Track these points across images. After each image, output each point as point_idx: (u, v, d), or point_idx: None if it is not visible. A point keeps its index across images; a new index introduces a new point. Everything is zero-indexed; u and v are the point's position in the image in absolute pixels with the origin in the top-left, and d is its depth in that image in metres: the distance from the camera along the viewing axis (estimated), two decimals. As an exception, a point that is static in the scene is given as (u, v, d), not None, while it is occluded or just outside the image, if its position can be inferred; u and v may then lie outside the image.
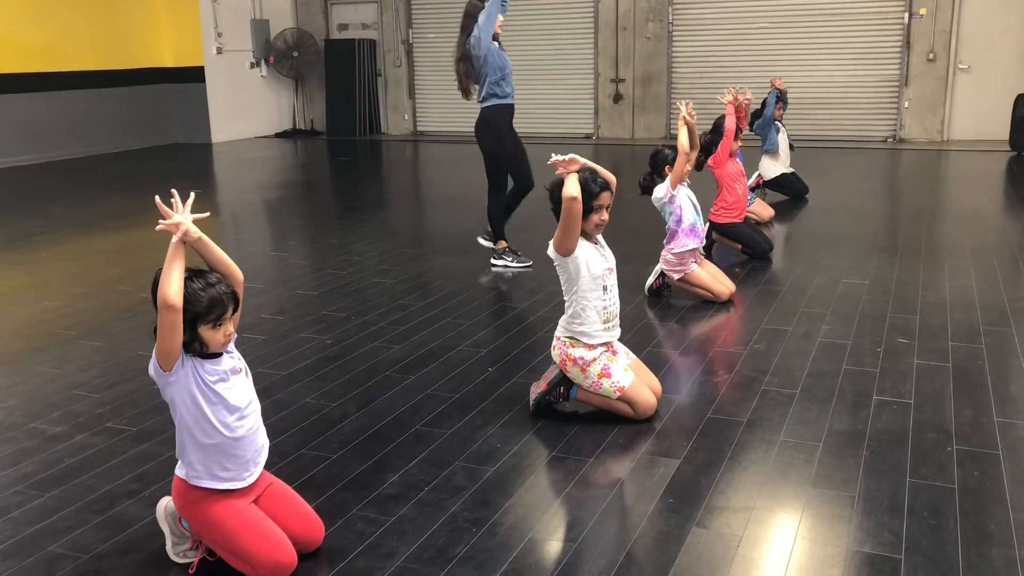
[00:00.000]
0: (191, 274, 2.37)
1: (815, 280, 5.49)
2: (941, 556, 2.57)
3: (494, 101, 5.90)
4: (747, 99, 6.75)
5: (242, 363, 2.55)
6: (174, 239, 2.33)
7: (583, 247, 3.46)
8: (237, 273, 2.49)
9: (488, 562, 2.60)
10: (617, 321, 3.59)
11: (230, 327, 2.44)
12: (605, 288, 3.50)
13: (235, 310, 2.45)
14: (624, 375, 3.50)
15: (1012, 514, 2.77)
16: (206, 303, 2.36)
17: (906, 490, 2.93)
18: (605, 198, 3.47)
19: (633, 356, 3.71)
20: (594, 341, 3.50)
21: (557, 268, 3.54)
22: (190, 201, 2.42)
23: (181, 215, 2.36)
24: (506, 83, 5.89)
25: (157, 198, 2.40)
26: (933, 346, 4.28)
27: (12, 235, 7.54)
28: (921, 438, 3.31)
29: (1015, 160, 10.54)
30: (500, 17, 5.82)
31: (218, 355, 2.47)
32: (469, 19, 5.78)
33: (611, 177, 3.52)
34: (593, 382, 3.50)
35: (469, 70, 5.89)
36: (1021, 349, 4.22)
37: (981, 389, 3.76)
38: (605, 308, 3.51)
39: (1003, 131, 11.17)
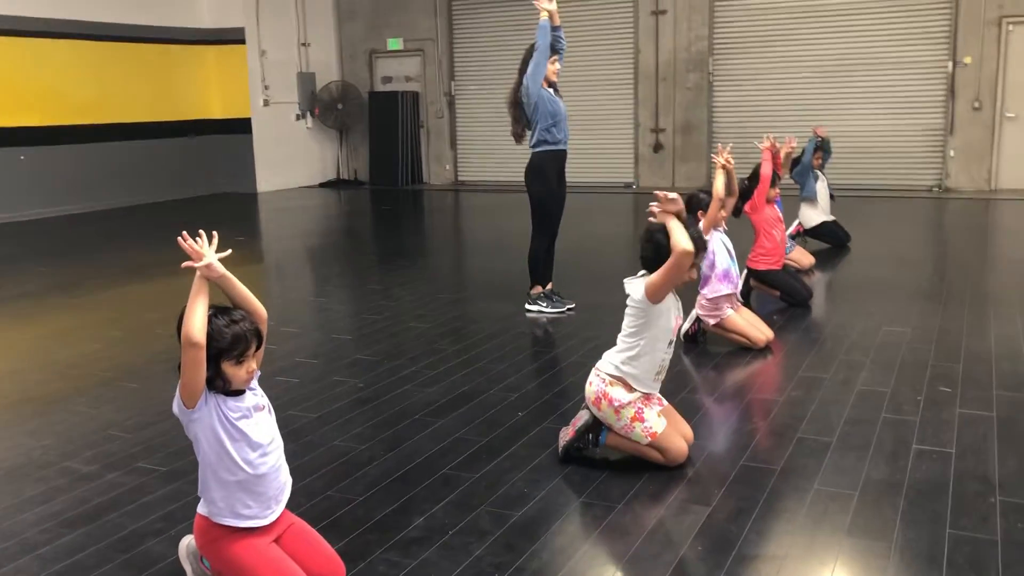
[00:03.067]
0: (215, 311, 2.39)
1: (855, 328, 5.39)
2: (982, 610, 2.46)
3: (545, 147, 5.94)
4: (792, 147, 6.73)
5: (265, 400, 2.56)
6: (197, 276, 2.36)
7: (668, 298, 3.43)
8: (261, 310, 2.51)
9: (510, 608, 2.55)
10: (664, 375, 3.55)
11: (253, 364, 2.46)
12: (670, 343, 3.48)
13: (258, 347, 2.47)
14: (657, 421, 3.44)
15: (1058, 568, 2.66)
16: (229, 339, 2.38)
17: (945, 541, 2.83)
18: (700, 257, 3.46)
19: (666, 403, 3.65)
20: (640, 387, 3.45)
21: (632, 308, 3.46)
22: (215, 240, 2.46)
23: (206, 252, 2.39)
24: (558, 129, 5.92)
25: (184, 234, 2.44)
26: (976, 395, 4.16)
27: (60, 280, 7.72)
28: (962, 488, 3.20)
29: (1065, 209, 10.33)
30: (556, 65, 5.89)
31: (241, 392, 2.48)
32: (525, 65, 5.85)
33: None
34: (625, 425, 3.44)
35: (519, 116, 5.94)
36: (1069, 399, 4.09)
37: (1027, 439, 3.64)
38: (663, 360, 3.48)
39: (1052, 180, 10.97)
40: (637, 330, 3.44)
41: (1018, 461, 3.42)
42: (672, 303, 3.46)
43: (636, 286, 3.43)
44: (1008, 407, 4.00)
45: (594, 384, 3.52)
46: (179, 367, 2.36)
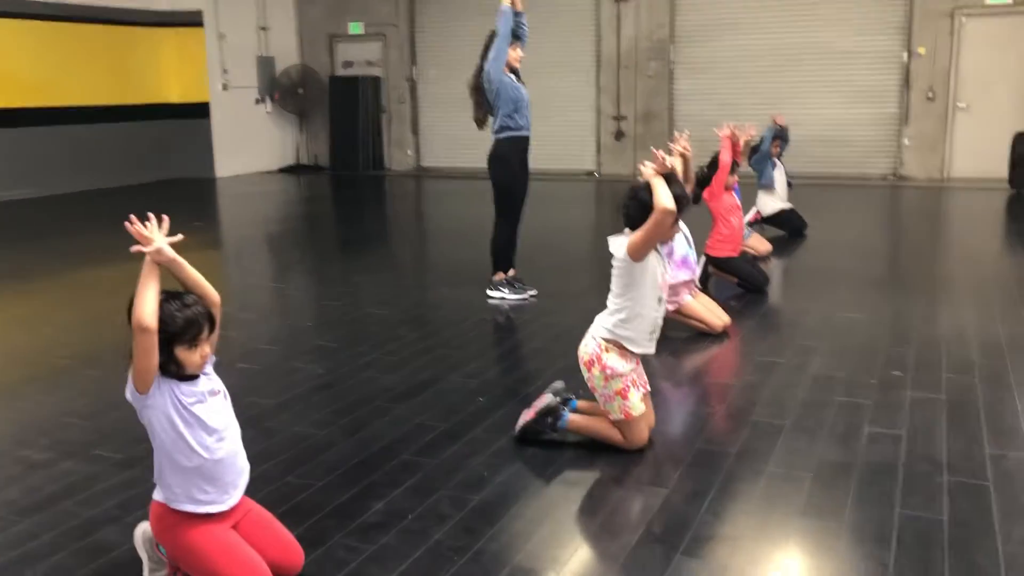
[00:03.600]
0: (167, 296, 2.37)
1: (811, 313, 5.48)
2: (928, 587, 2.53)
3: (507, 133, 5.92)
4: (751, 135, 6.79)
5: (220, 385, 2.54)
6: (147, 260, 2.33)
7: (651, 255, 3.43)
8: (213, 294, 2.49)
9: (469, 590, 2.57)
10: (659, 333, 3.56)
11: (207, 348, 2.44)
12: (660, 300, 3.49)
13: (211, 331, 2.45)
14: (638, 404, 3.46)
15: (1001, 546, 2.74)
16: (181, 323, 2.36)
17: (894, 521, 2.90)
18: (684, 213, 3.49)
19: (648, 388, 3.65)
20: (637, 349, 3.46)
21: (617, 269, 3.46)
22: (165, 224, 2.43)
23: (156, 236, 2.37)
24: (520, 115, 5.90)
25: (132, 217, 2.41)
26: (927, 378, 4.26)
27: (14, 267, 7.59)
28: (911, 469, 3.28)
29: (1014, 198, 10.56)
30: (519, 52, 5.88)
31: (195, 377, 2.46)
32: (486, 50, 5.83)
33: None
34: (608, 395, 3.45)
35: (481, 101, 5.93)
36: (1015, 382, 4.20)
37: (974, 421, 3.73)
38: (656, 319, 3.49)
39: (1002, 169, 11.19)
40: (623, 289, 3.45)
41: (965, 442, 3.51)
42: (656, 260, 3.46)
43: (619, 244, 3.44)
44: (957, 390, 4.10)
45: (589, 347, 3.51)
46: (131, 353, 2.34)
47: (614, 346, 3.47)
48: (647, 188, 3.38)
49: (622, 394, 3.44)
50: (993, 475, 3.22)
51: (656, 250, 3.46)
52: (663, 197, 3.28)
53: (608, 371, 3.44)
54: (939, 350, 4.69)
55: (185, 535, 2.47)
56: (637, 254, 3.38)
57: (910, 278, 6.41)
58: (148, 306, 2.27)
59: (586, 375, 3.51)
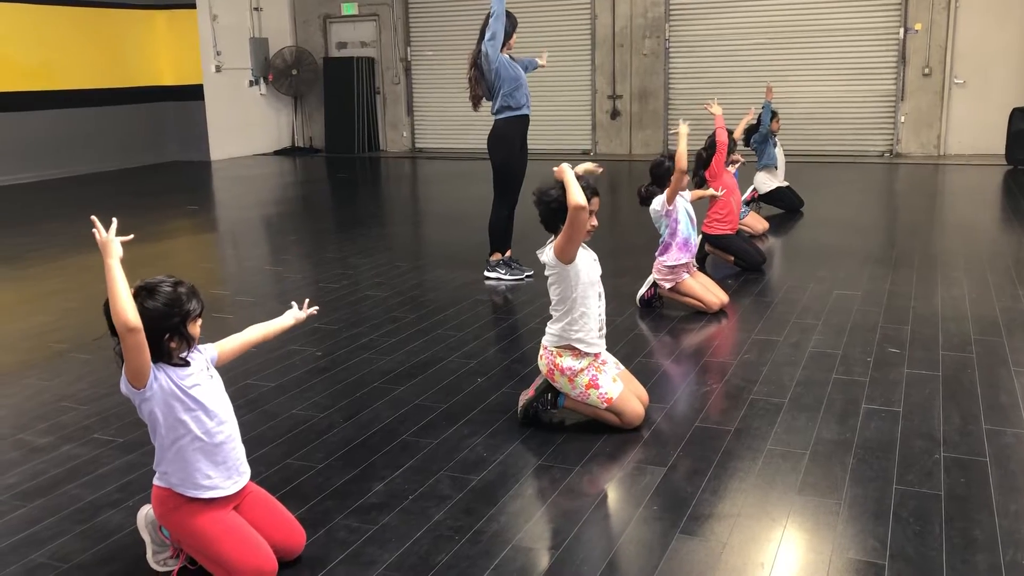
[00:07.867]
0: (149, 288, 2.37)
1: (807, 291, 5.49)
2: (925, 562, 2.55)
3: (508, 113, 5.91)
4: (751, 118, 6.86)
5: (213, 368, 2.56)
6: (110, 262, 2.29)
7: (580, 254, 3.45)
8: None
9: (470, 570, 2.58)
10: (605, 330, 3.59)
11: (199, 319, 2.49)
12: (600, 295, 3.51)
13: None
14: (613, 386, 3.48)
15: (998, 520, 2.76)
16: (185, 298, 2.40)
17: (892, 497, 2.92)
18: (595, 203, 3.46)
19: (622, 367, 3.69)
20: (590, 349, 3.49)
21: (552, 276, 3.51)
22: (113, 226, 2.40)
23: (109, 237, 2.34)
24: (520, 94, 5.90)
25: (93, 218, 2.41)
26: (924, 355, 4.27)
27: (7, 252, 7.56)
28: (908, 446, 3.30)
29: (1011, 174, 10.55)
30: (512, 39, 5.88)
31: (186, 364, 2.47)
32: (484, 30, 5.81)
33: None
34: (581, 392, 3.48)
35: (478, 77, 5.90)
36: (1011, 358, 4.21)
37: (970, 397, 3.75)
38: (600, 315, 3.51)
39: (999, 145, 11.18)
40: (563, 294, 3.48)
41: (961, 418, 3.53)
42: (586, 256, 3.50)
43: (547, 252, 3.49)
44: (953, 366, 4.11)
45: (544, 358, 3.56)
46: (119, 355, 2.34)
47: (566, 350, 3.50)
48: (548, 193, 3.43)
49: (593, 385, 3.47)
50: (990, 451, 3.24)
51: (585, 246, 3.48)
52: (575, 193, 3.28)
53: (568, 372, 3.47)
54: (935, 327, 4.70)
55: (188, 518, 2.48)
56: (565, 255, 3.41)
57: (906, 255, 6.41)
58: (129, 306, 2.26)
59: (555, 384, 3.55)
